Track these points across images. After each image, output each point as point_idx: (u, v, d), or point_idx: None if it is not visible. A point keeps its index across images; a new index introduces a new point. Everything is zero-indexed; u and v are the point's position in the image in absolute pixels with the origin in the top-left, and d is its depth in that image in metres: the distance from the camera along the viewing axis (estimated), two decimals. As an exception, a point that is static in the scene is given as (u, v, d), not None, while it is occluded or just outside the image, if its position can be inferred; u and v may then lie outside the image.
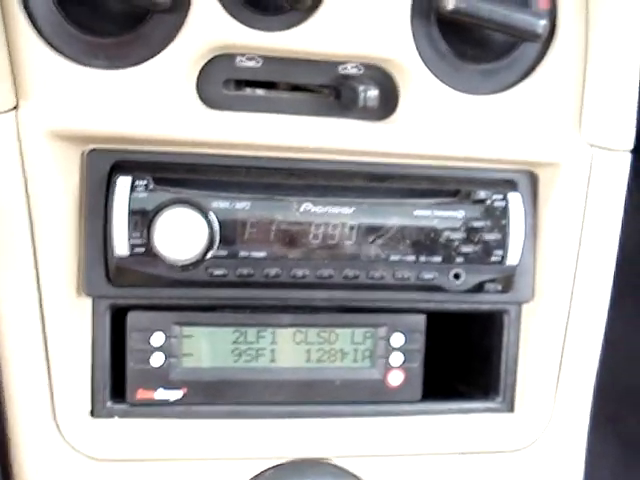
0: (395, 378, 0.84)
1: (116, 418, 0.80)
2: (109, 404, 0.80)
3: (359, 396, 0.83)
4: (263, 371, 0.81)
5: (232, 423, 0.80)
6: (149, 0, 0.72)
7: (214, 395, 0.81)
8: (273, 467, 0.66)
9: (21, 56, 0.73)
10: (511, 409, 0.86)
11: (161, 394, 0.80)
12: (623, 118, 0.82)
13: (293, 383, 0.82)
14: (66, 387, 0.78)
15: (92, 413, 0.79)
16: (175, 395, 0.80)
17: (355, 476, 0.66)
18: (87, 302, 0.78)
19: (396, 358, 0.84)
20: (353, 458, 0.82)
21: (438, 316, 0.86)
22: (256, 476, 0.66)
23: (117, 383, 0.80)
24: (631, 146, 0.83)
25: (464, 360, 0.93)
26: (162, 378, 0.80)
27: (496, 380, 0.86)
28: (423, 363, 0.84)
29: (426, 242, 0.80)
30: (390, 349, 0.83)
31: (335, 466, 0.66)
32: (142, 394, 0.80)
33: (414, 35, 0.77)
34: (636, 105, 0.83)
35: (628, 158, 0.83)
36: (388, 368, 0.83)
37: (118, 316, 0.80)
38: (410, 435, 0.83)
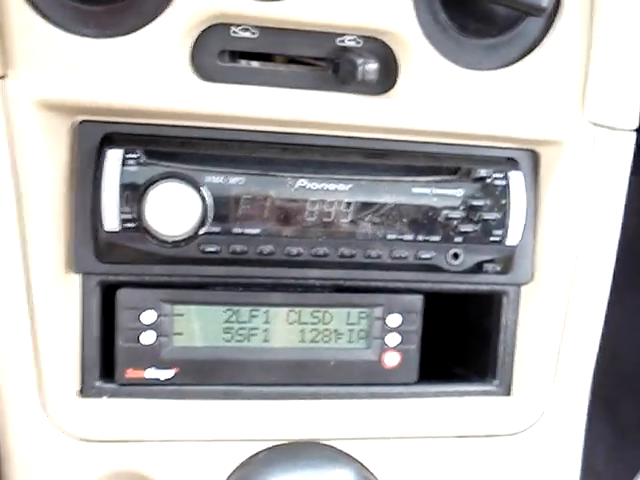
0: (391, 359, 0.82)
1: (105, 398, 0.78)
2: (98, 383, 0.78)
3: (354, 377, 0.82)
4: (256, 351, 0.80)
5: (224, 404, 0.79)
6: None
7: (206, 375, 0.79)
8: (267, 449, 0.64)
9: (9, 23, 0.70)
10: (508, 392, 0.85)
11: (151, 373, 0.78)
12: (627, 97, 0.80)
13: (286, 363, 0.80)
14: (54, 366, 0.76)
15: (81, 393, 0.78)
16: (166, 375, 0.79)
17: (350, 456, 0.64)
18: (76, 279, 0.76)
19: (392, 339, 0.82)
20: (348, 440, 0.81)
21: (435, 296, 0.84)
22: (250, 458, 0.64)
23: (106, 362, 0.78)
24: (635, 125, 0.81)
25: (461, 342, 0.92)
26: (153, 357, 0.78)
27: (493, 363, 0.85)
28: (420, 344, 0.83)
29: (424, 221, 0.78)
30: (386, 330, 0.82)
31: (330, 447, 0.64)
32: (132, 373, 0.78)
33: (415, 6, 0.75)
34: (641, 83, 0.81)
35: (632, 138, 0.81)
36: (384, 349, 0.82)
37: (108, 293, 0.78)
38: (406, 418, 0.82)
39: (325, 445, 0.65)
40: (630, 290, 1.70)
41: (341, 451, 0.64)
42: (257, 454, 0.64)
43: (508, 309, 0.84)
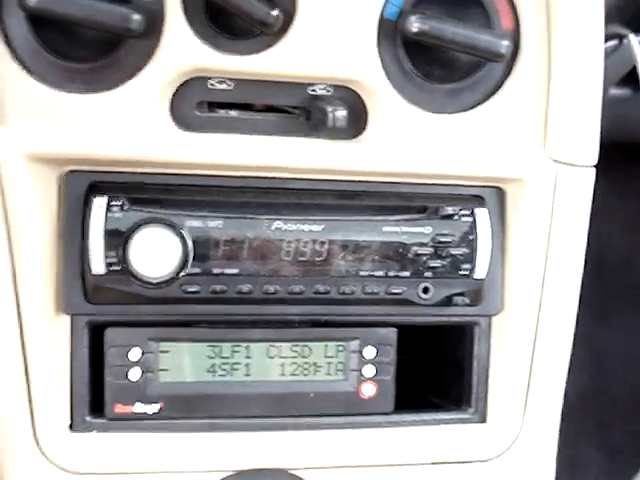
0: (368, 390, 0.86)
1: (95, 432, 0.81)
2: (88, 418, 0.82)
3: (333, 408, 0.85)
4: (238, 385, 0.83)
5: (208, 436, 0.82)
6: (122, 26, 0.74)
7: (190, 409, 0.83)
8: (232, 475, 0.67)
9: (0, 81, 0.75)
10: (483, 420, 0.88)
11: (139, 408, 0.82)
12: (586, 134, 0.84)
13: (268, 396, 0.84)
14: (46, 402, 0.79)
15: (71, 427, 0.81)
16: (152, 409, 0.82)
17: None
18: (66, 319, 0.80)
19: (368, 371, 0.85)
20: (327, 469, 0.84)
21: (410, 329, 0.88)
22: None
23: (96, 398, 0.82)
24: (595, 161, 0.85)
25: (436, 372, 0.95)
26: (139, 393, 0.82)
27: (468, 391, 0.88)
28: (395, 375, 0.86)
29: (395, 257, 0.82)
30: (363, 362, 0.85)
31: (292, 475, 0.68)
32: (120, 408, 0.82)
33: (380, 57, 0.80)
34: (599, 121, 0.85)
35: (592, 173, 0.85)
36: (361, 381, 0.85)
37: (96, 332, 0.82)
38: (383, 446, 0.85)
39: (287, 473, 0.69)
40: (619, 315, 1.74)
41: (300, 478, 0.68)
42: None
43: (480, 339, 0.87)
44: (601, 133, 0.85)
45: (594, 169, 0.85)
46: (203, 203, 0.79)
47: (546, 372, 0.87)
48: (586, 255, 0.87)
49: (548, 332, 0.87)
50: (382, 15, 0.80)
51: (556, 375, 0.88)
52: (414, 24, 0.78)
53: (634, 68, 1.08)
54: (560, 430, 0.91)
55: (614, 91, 1.19)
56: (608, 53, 1.04)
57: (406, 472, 0.85)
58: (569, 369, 0.89)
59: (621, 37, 1.08)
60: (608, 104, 0.90)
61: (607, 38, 0.99)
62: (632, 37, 1.07)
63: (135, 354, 0.82)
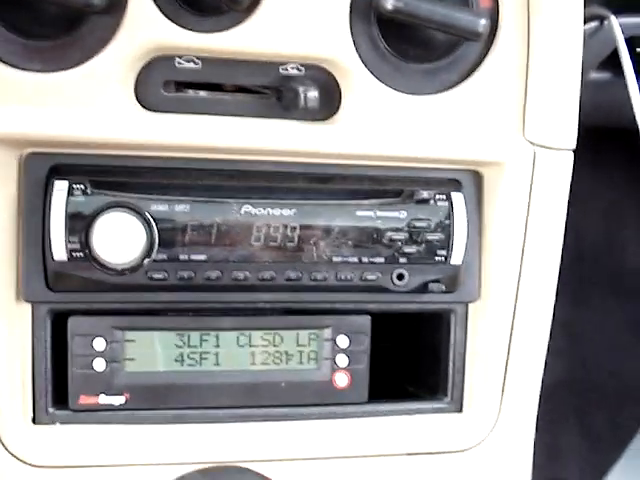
0: (341, 380, 0.83)
1: (58, 425, 0.79)
2: (51, 410, 0.79)
3: (305, 398, 0.83)
4: (207, 375, 0.81)
5: (176, 428, 0.80)
6: (84, 2, 0.71)
7: (158, 400, 0.80)
8: (195, 471, 0.65)
9: None
10: (459, 409, 0.86)
11: (104, 399, 0.79)
12: (565, 117, 0.82)
13: (238, 386, 0.81)
14: (7, 394, 0.77)
15: (34, 420, 0.78)
16: (118, 400, 0.79)
17: None
18: (27, 308, 0.77)
19: (342, 360, 0.83)
20: (300, 461, 0.82)
21: (385, 316, 0.86)
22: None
23: (59, 389, 0.79)
24: (573, 145, 0.83)
25: (413, 360, 0.93)
26: (105, 383, 0.79)
27: (444, 380, 0.86)
28: (369, 364, 0.84)
29: (369, 243, 0.79)
30: (336, 350, 0.83)
31: (256, 473, 0.65)
32: (85, 400, 0.79)
33: (353, 35, 0.77)
34: (577, 105, 0.83)
35: (570, 157, 0.83)
36: (334, 370, 0.83)
37: (59, 321, 0.79)
38: (357, 437, 0.83)
39: (252, 472, 0.66)
40: (598, 301, 1.73)
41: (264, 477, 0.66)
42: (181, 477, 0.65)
43: (456, 327, 0.85)
44: (581, 117, 0.83)
45: (572, 153, 0.83)
46: (169, 186, 0.76)
47: (523, 360, 0.86)
48: (564, 241, 0.86)
49: (525, 319, 0.85)
50: None
51: (533, 363, 0.87)
52: (389, 1, 0.75)
53: (615, 50, 1.06)
54: (539, 418, 0.89)
55: (594, 75, 1.17)
56: (588, 35, 1.02)
57: (381, 463, 0.83)
58: (547, 356, 0.88)
59: (602, 18, 1.05)
60: (588, 88, 0.88)
61: (587, 19, 0.98)
62: (613, 18, 1.05)
63: (100, 343, 0.79)
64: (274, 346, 0.82)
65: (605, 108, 1.24)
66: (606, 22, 1.06)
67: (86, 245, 0.74)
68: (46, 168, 0.75)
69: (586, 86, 0.86)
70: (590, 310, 1.72)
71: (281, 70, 0.78)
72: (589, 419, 1.72)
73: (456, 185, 0.82)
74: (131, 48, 0.74)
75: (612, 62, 1.10)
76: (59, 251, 0.74)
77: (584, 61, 0.83)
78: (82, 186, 0.74)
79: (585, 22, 0.85)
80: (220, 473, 0.64)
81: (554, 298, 0.86)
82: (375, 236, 0.80)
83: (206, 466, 0.79)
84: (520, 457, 0.88)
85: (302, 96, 0.75)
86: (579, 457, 1.69)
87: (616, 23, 1.05)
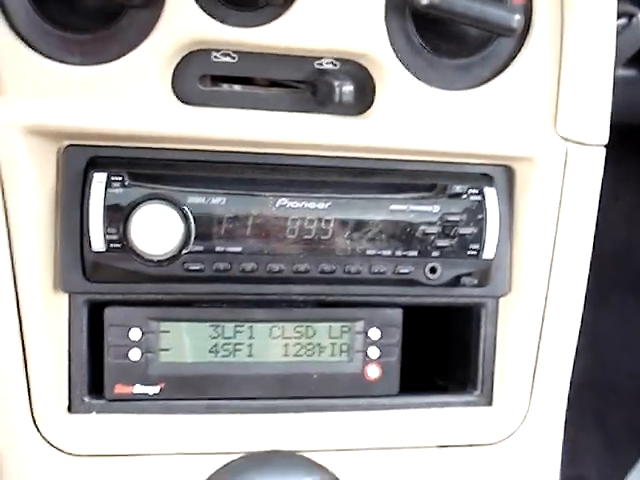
0: (373, 372, 0.84)
1: (94, 413, 0.80)
2: (87, 399, 0.80)
3: (337, 390, 0.84)
4: (241, 366, 0.82)
5: (210, 418, 0.81)
6: None
7: (192, 390, 0.81)
8: (240, 458, 0.66)
9: None
10: (489, 402, 0.87)
11: (139, 389, 0.80)
12: (597, 113, 0.83)
13: (271, 377, 0.82)
14: (44, 383, 0.78)
15: (69, 409, 0.80)
16: (153, 390, 0.80)
17: (323, 468, 0.66)
18: (64, 298, 0.78)
19: (373, 352, 0.84)
20: (332, 452, 0.82)
21: (417, 310, 0.86)
22: (224, 465, 0.66)
23: (95, 379, 0.80)
24: (605, 141, 0.83)
25: (443, 353, 0.94)
26: (140, 373, 0.80)
27: (474, 373, 0.87)
28: (401, 357, 0.85)
29: (402, 236, 0.80)
30: (368, 343, 0.84)
31: (304, 458, 0.66)
32: (120, 389, 0.80)
33: (388, 30, 0.78)
34: (610, 100, 0.83)
35: (602, 152, 0.84)
36: (366, 362, 0.84)
37: (96, 311, 0.80)
38: (388, 429, 0.84)
39: (300, 455, 0.67)
40: (618, 302, 1.73)
41: (315, 462, 0.66)
42: (230, 463, 0.66)
43: (487, 321, 0.86)
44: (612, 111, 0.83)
45: (604, 148, 0.84)
46: (205, 179, 0.77)
47: (553, 355, 0.86)
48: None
49: (556, 314, 0.85)
50: None
51: (563, 358, 0.87)
52: (424, -4, 0.76)
53: (643, 48, 1.06)
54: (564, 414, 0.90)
55: (621, 72, 1.17)
56: (617, 31, 1.03)
57: (411, 455, 0.84)
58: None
59: (630, 15, 1.05)
60: (615, 85, 0.88)
61: (617, 16, 0.98)
62: (642, 15, 1.05)
63: (135, 334, 0.80)
64: (307, 338, 0.83)
65: (631, 105, 1.24)
66: (634, 19, 1.06)
67: (124, 236, 0.75)
68: (84, 160, 0.76)
69: (613, 83, 0.86)
70: (610, 311, 1.72)
71: (316, 65, 0.79)
72: (608, 420, 1.72)
73: (488, 180, 0.83)
74: (169, 42, 0.75)
75: (639, 59, 1.11)
76: (97, 242, 0.75)
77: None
78: (120, 178, 0.75)
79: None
80: (266, 458, 0.65)
81: (584, 293, 0.86)
82: (408, 230, 0.80)
83: (238, 455, 0.80)
84: (549, 451, 0.89)
85: (337, 90, 0.76)
86: (598, 457, 1.69)
87: (645, 20, 1.06)
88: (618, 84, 1.00)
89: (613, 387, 1.73)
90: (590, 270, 0.86)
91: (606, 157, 0.85)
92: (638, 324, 1.74)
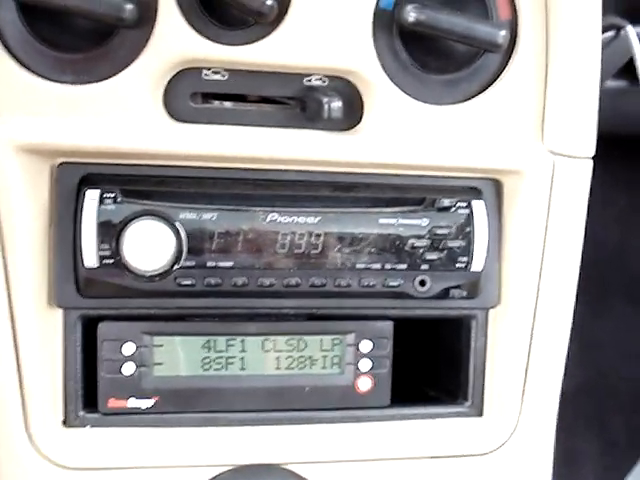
0: (364, 384, 0.85)
1: (88, 427, 0.81)
2: (81, 413, 0.81)
3: (329, 402, 0.84)
4: (233, 379, 0.83)
5: (203, 430, 0.81)
6: (115, 16, 0.73)
7: (185, 403, 0.82)
8: (227, 471, 0.67)
9: None
10: (480, 413, 0.88)
11: (133, 403, 0.81)
12: (584, 126, 0.84)
13: (263, 390, 0.83)
14: (38, 397, 0.79)
15: (64, 423, 0.80)
16: (146, 404, 0.81)
17: None
18: (58, 313, 0.79)
19: (365, 364, 0.85)
20: (324, 464, 0.83)
21: (407, 322, 0.87)
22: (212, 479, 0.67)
23: (89, 393, 0.81)
24: (592, 153, 0.84)
25: (433, 365, 0.95)
26: (133, 387, 0.81)
27: (465, 384, 0.88)
28: (392, 369, 0.86)
29: (391, 250, 0.81)
30: (359, 355, 0.85)
31: (290, 472, 0.67)
32: (114, 403, 0.81)
33: (376, 47, 0.79)
34: (596, 113, 0.84)
35: (589, 165, 0.85)
36: (357, 374, 0.85)
37: (90, 326, 0.81)
38: (380, 440, 0.84)
39: (285, 470, 0.68)
40: (614, 307, 1.74)
41: (300, 477, 0.67)
42: (219, 475, 0.67)
43: (477, 332, 0.87)
44: (597, 125, 0.84)
45: (591, 161, 0.85)
46: (197, 195, 0.78)
47: (543, 365, 0.87)
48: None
49: (545, 325, 0.86)
50: (378, 5, 0.79)
51: (553, 368, 0.88)
52: (410, 14, 0.77)
53: (631, 60, 1.07)
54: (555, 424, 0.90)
55: (611, 83, 1.18)
56: (605, 44, 1.04)
57: (402, 466, 0.85)
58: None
59: (618, 28, 1.07)
60: (605, 96, 0.89)
61: (604, 29, 0.99)
62: (630, 28, 1.07)
63: (129, 348, 0.81)
64: (298, 351, 0.84)
65: (621, 116, 1.25)
66: (622, 32, 1.08)
67: (117, 252, 0.76)
68: (77, 177, 0.77)
69: (602, 94, 0.87)
70: (606, 317, 1.72)
71: (305, 81, 0.80)
72: (605, 425, 1.73)
73: (477, 193, 0.84)
74: (161, 61, 0.76)
75: (628, 71, 1.12)
76: (90, 258, 0.76)
77: (600, 70, 0.85)
78: (113, 195, 0.76)
79: (602, 32, 0.86)
80: (252, 471, 0.65)
81: (574, 303, 0.87)
82: (397, 243, 0.81)
83: (231, 468, 0.81)
84: (540, 461, 0.89)
85: (326, 107, 0.77)
86: (595, 462, 1.69)
87: (632, 32, 1.07)
88: (608, 95, 1.01)
89: (610, 393, 1.73)
90: (584, 276, 0.87)
91: (599, 165, 0.86)
92: (634, 329, 1.75)
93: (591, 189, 0.86)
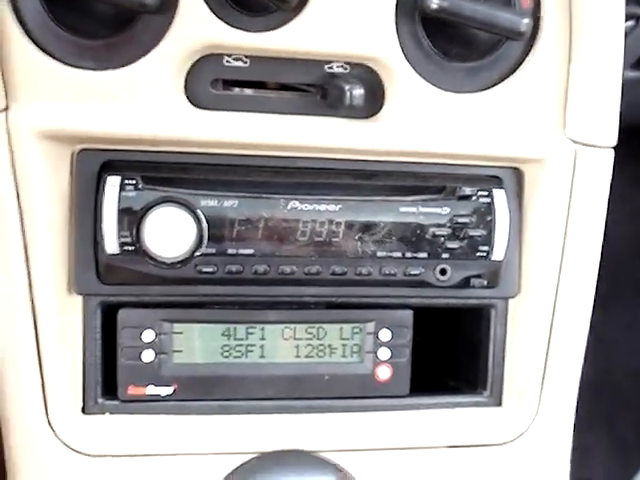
0: (383, 373, 0.85)
1: (108, 414, 0.81)
2: (101, 401, 0.81)
3: (348, 391, 0.84)
4: (253, 367, 0.83)
5: (222, 418, 0.82)
6: (137, 2, 0.72)
7: (205, 391, 0.82)
8: (255, 457, 0.67)
9: (11, 58, 0.74)
10: (499, 403, 0.87)
11: (152, 390, 0.81)
12: (606, 115, 0.83)
13: (282, 378, 0.83)
14: (58, 384, 0.79)
15: (84, 410, 0.81)
16: (166, 391, 0.81)
17: (336, 466, 0.67)
18: (78, 300, 0.79)
19: (384, 353, 0.85)
20: (342, 452, 0.83)
21: (427, 311, 0.87)
22: (238, 466, 0.67)
23: (109, 380, 0.81)
24: (614, 143, 0.84)
25: (453, 354, 0.95)
26: (153, 374, 0.81)
27: (484, 374, 0.87)
28: (411, 358, 0.85)
29: (412, 238, 0.81)
30: (378, 344, 0.84)
31: (317, 457, 0.67)
32: (133, 390, 0.81)
33: (398, 34, 0.78)
34: (619, 102, 0.84)
35: (611, 154, 0.84)
36: (376, 363, 0.85)
37: (109, 313, 0.81)
38: (399, 429, 0.84)
39: (312, 454, 0.68)
40: (625, 304, 1.73)
41: (328, 460, 0.67)
42: (245, 463, 0.67)
43: (496, 322, 0.86)
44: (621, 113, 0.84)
45: (613, 150, 0.84)
46: (218, 182, 0.78)
47: (563, 355, 0.87)
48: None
49: (565, 315, 0.86)
50: None
51: (572, 358, 0.88)
52: (434, 0, 0.76)
53: (651, 49, 1.07)
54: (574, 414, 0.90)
55: (629, 73, 1.17)
56: (625, 33, 1.03)
57: (421, 455, 0.85)
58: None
59: (638, 17, 1.06)
60: (622, 87, 0.88)
61: (625, 18, 0.98)
62: (649, 17, 1.06)
63: (148, 335, 0.81)
64: (318, 339, 0.84)
65: (637, 107, 1.24)
66: (642, 21, 1.07)
67: (137, 239, 0.76)
68: (98, 164, 0.77)
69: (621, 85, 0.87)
70: (616, 313, 1.72)
71: (326, 68, 0.80)
72: (615, 422, 1.72)
73: (498, 182, 0.84)
74: (182, 47, 0.75)
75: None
76: (111, 245, 0.76)
77: (621, 59, 0.85)
78: (133, 181, 0.76)
79: (622, 21, 0.86)
80: (281, 457, 0.65)
81: (593, 295, 0.87)
82: (418, 232, 0.81)
83: (251, 455, 0.81)
84: (558, 451, 0.89)
85: (347, 94, 0.77)
86: (605, 460, 1.69)
87: (653, 22, 1.06)
88: (625, 85, 1.01)
89: (620, 390, 1.73)
90: (598, 272, 0.87)
91: (615, 158, 0.85)
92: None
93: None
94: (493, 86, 0.82)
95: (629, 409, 1.71)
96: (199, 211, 0.76)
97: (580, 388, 0.90)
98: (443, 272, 0.82)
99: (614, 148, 0.85)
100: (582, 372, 0.89)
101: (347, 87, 0.77)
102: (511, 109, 0.82)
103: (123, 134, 0.76)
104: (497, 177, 0.84)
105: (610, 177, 0.85)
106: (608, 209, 0.86)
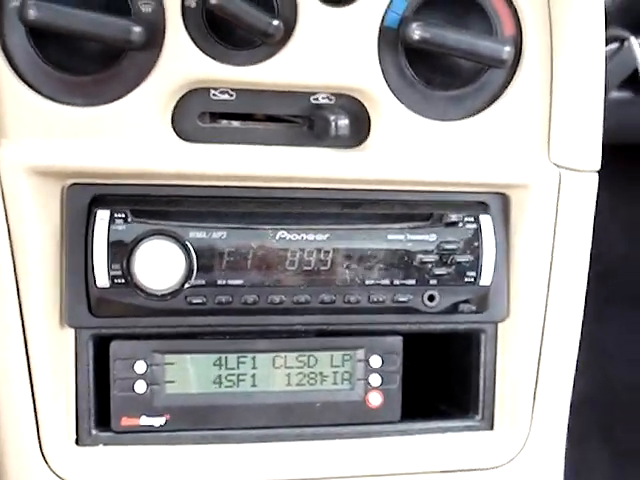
0: (375, 399, 0.85)
1: (101, 446, 0.81)
2: (94, 432, 0.81)
3: (340, 418, 0.85)
4: (245, 396, 0.83)
5: (215, 448, 0.82)
6: (123, 39, 0.74)
7: (197, 421, 0.82)
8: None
9: (0, 96, 0.75)
10: (490, 427, 0.88)
11: (145, 421, 0.82)
12: (589, 140, 0.84)
13: (274, 407, 0.84)
14: (51, 417, 0.79)
15: (77, 442, 0.81)
16: (159, 421, 0.82)
17: None
18: (70, 333, 0.80)
19: (375, 379, 0.85)
20: (336, 479, 0.84)
21: (417, 336, 0.87)
22: None
23: (102, 411, 0.82)
24: (598, 167, 0.85)
25: (444, 379, 0.95)
26: (146, 405, 0.81)
27: (475, 398, 0.88)
28: (402, 383, 0.86)
29: (400, 265, 0.82)
30: (369, 371, 0.85)
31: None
32: (126, 421, 0.82)
33: (381, 64, 0.80)
34: (601, 126, 0.85)
35: (595, 178, 0.85)
36: (367, 390, 0.85)
37: (102, 344, 0.81)
38: (391, 455, 0.85)
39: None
40: (621, 317, 1.74)
41: None
42: None
43: (486, 346, 0.87)
44: (602, 136, 0.85)
45: (597, 174, 0.85)
46: (206, 214, 0.79)
47: (553, 378, 0.87)
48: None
49: (554, 337, 0.86)
50: (383, 23, 0.79)
51: (563, 381, 0.88)
52: (415, 32, 0.78)
53: (635, 71, 1.08)
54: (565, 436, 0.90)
55: (615, 94, 1.19)
56: (609, 56, 1.04)
57: (415, 481, 0.85)
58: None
59: (622, 40, 1.07)
60: (609, 107, 0.90)
61: (608, 41, 0.99)
62: (633, 40, 1.07)
63: (140, 366, 0.81)
64: (309, 367, 0.84)
65: (625, 126, 1.26)
66: (626, 43, 1.08)
67: (128, 272, 0.76)
68: (88, 198, 0.78)
69: (607, 105, 0.88)
70: (612, 326, 1.72)
71: (312, 100, 0.81)
72: (614, 434, 1.72)
73: (484, 208, 0.85)
74: (169, 82, 0.77)
75: (632, 81, 1.12)
76: (102, 278, 0.77)
77: (605, 81, 0.85)
78: (123, 215, 0.77)
79: (606, 44, 0.87)
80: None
81: (582, 315, 0.87)
82: (406, 259, 0.82)
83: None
84: (551, 474, 0.89)
85: (333, 124, 0.78)
86: (605, 473, 1.69)
87: (636, 44, 1.07)
88: (613, 106, 1.02)
89: (618, 402, 1.73)
90: (592, 285, 0.88)
91: (604, 175, 0.86)
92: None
93: (597, 198, 0.86)
94: (477, 113, 0.83)
95: (628, 421, 1.71)
96: (188, 243, 0.77)
97: (578, 401, 0.90)
98: (431, 298, 0.83)
99: (603, 164, 0.86)
100: (580, 385, 0.90)
101: (332, 118, 0.78)
102: (495, 135, 0.83)
103: (112, 168, 0.77)
104: (483, 203, 0.85)
105: (594, 199, 0.85)
106: (602, 224, 0.87)
